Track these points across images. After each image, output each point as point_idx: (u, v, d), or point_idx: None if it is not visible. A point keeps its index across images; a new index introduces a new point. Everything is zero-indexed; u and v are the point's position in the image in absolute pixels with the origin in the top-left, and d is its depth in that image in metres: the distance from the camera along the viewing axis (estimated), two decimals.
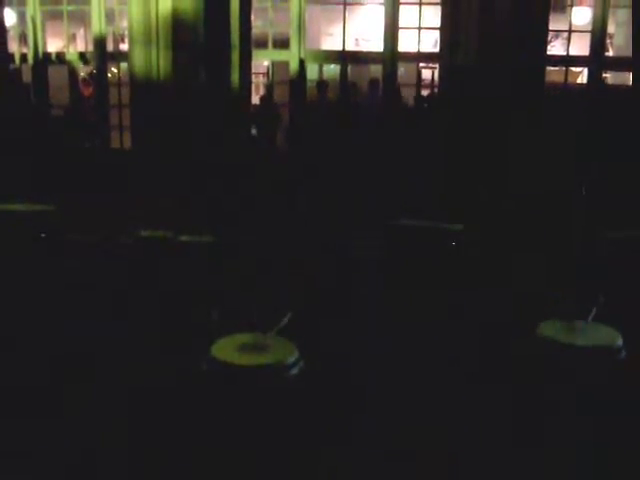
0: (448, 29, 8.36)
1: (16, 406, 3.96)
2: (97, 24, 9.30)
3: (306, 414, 3.67)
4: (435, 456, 3.60)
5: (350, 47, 10.56)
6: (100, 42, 9.34)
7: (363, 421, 3.90)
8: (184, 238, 5.18)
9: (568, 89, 9.25)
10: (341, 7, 9.54)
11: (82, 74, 10.33)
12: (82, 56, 9.78)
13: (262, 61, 10.90)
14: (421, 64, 10.08)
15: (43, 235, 5.97)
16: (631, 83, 8.78)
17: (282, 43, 9.60)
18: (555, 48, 11.72)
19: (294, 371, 3.35)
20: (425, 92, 10.48)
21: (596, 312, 3.79)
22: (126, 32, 9.57)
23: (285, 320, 3.63)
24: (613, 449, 3.51)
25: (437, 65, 9.10)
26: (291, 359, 3.38)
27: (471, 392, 4.11)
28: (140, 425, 3.78)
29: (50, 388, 4.15)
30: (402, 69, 9.78)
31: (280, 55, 9.51)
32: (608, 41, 10.55)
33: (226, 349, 3.44)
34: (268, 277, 5.17)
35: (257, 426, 3.35)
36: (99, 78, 9.57)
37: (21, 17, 9.99)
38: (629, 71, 8.91)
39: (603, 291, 4.17)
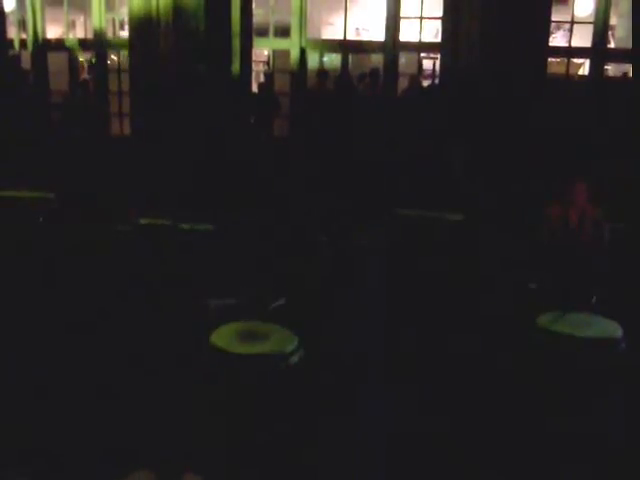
0: (450, 19, 8.31)
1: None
2: (97, 11, 9.23)
3: (306, 401, 3.67)
4: (433, 444, 3.60)
5: (351, 36, 10.50)
6: (100, 29, 9.28)
7: (362, 408, 3.90)
8: (183, 226, 5.17)
9: (569, 80, 9.23)
10: None
11: (81, 60, 10.28)
12: (82, 43, 9.72)
13: (263, 49, 10.84)
14: (422, 54, 10.03)
15: (41, 220, 5.95)
16: (631, 75, 8.75)
17: (283, 31, 9.53)
18: (557, 39, 11.69)
19: (294, 359, 3.34)
20: (426, 82, 10.44)
21: (595, 302, 3.80)
22: (126, 19, 9.50)
23: (279, 302, 3.62)
24: (613, 439, 3.52)
25: (438, 55, 9.04)
26: (291, 347, 3.37)
27: (471, 385, 4.11)
28: (141, 414, 3.78)
29: (50, 382, 4.14)
30: (403, 59, 9.72)
31: (281, 44, 9.46)
32: (610, 33, 10.50)
33: (226, 337, 3.43)
34: (267, 264, 5.17)
35: (257, 413, 3.35)
36: (99, 65, 9.52)
37: (20, 3, 9.91)
38: (630, 63, 8.86)
39: (602, 282, 4.17)
